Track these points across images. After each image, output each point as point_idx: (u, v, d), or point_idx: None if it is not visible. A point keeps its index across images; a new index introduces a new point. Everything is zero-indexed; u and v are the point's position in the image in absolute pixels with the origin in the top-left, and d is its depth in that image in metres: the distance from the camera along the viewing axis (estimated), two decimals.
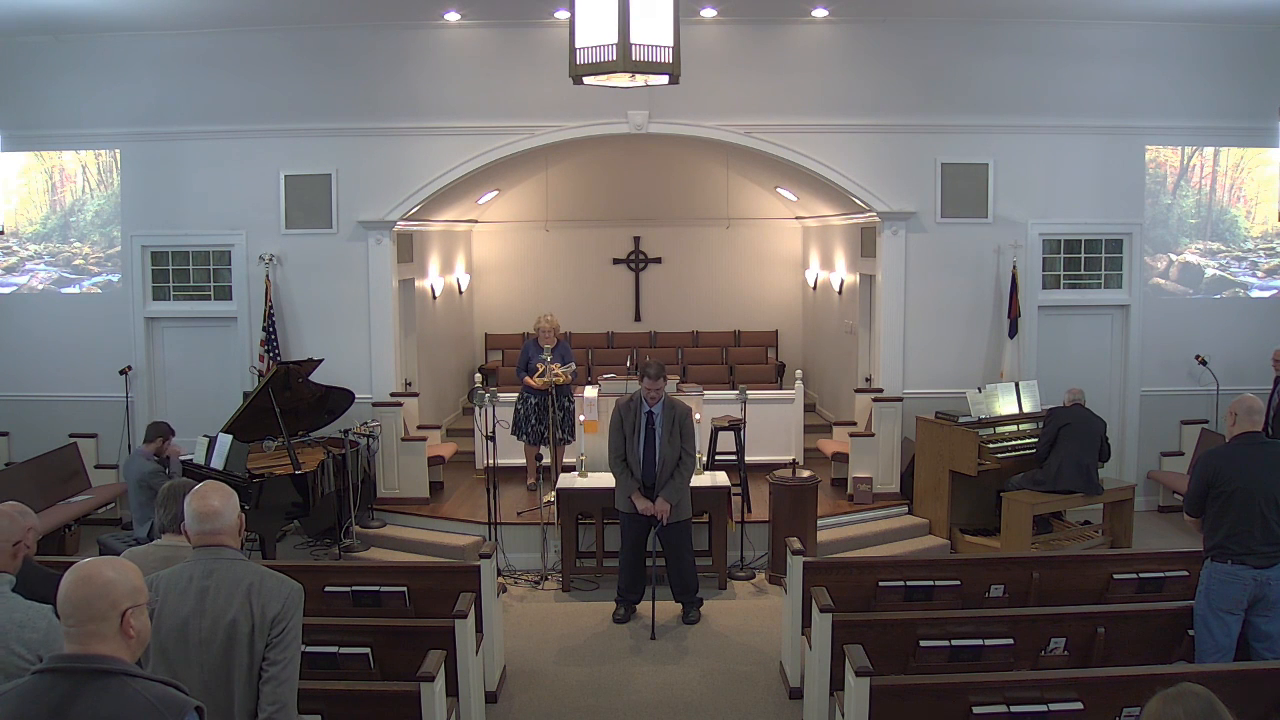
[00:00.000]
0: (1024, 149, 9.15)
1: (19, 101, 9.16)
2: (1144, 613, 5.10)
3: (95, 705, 2.24)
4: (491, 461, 7.91)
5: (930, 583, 5.57)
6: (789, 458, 8.95)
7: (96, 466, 9.36)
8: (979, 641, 4.81)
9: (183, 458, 7.55)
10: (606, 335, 13.07)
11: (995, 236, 9.19)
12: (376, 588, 5.49)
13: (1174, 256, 9.51)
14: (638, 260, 13.26)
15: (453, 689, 4.89)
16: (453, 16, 8.78)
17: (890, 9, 8.80)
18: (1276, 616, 4.77)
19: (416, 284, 10.53)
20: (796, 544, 6.00)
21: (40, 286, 9.51)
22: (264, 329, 9.06)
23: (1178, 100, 9.20)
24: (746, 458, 8.35)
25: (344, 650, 4.71)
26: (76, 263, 9.47)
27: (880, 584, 5.58)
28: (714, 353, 12.89)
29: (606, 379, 9.08)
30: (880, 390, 9.23)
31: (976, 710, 4.07)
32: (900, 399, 9.08)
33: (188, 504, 3.21)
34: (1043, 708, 4.05)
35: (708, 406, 9.09)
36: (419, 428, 9.47)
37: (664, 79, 4.86)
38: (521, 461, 9.24)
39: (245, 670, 3.03)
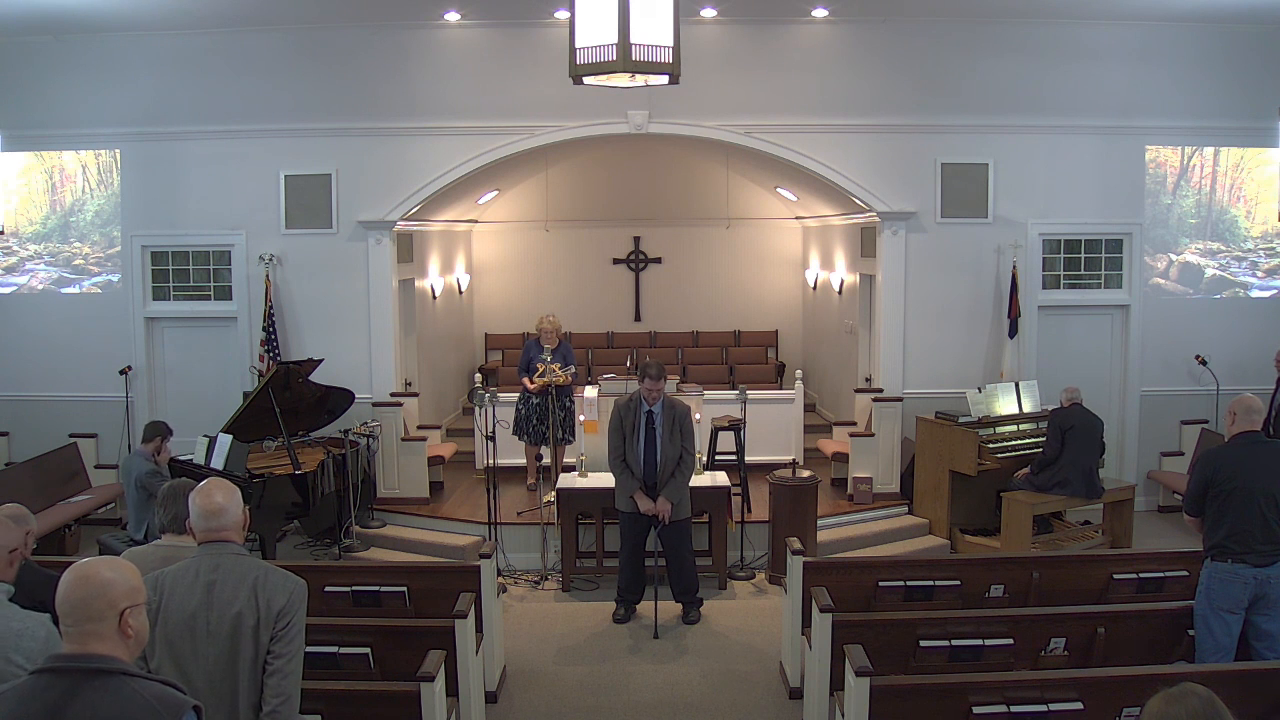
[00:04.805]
0: (1024, 149, 9.15)
1: (19, 101, 9.17)
2: (1144, 613, 5.09)
3: (93, 704, 2.24)
4: (491, 461, 7.91)
5: (930, 583, 5.56)
6: (789, 458, 8.94)
7: (96, 466, 9.36)
8: (979, 641, 4.80)
9: (182, 458, 7.55)
10: (606, 335, 13.07)
11: (995, 236, 9.19)
12: (376, 588, 5.49)
13: (1174, 256, 9.51)
14: (638, 260, 13.26)
15: (453, 689, 4.89)
16: (453, 16, 8.78)
17: (890, 9, 8.79)
18: (1277, 615, 4.77)
19: (416, 284, 10.53)
20: (796, 544, 6.00)
21: (40, 286, 9.51)
22: (264, 329, 9.06)
23: (1178, 100, 9.19)
24: (746, 458, 8.35)
25: (344, 650, 4.71)
26: (76, 263, 9.47)
27: (880, 584, 5.57)
28: (714, 353, 12.89)
29: (606, 379, 9.07)
30: (880, 390, 9.23)
31: (976, 710, 4.07)
32: (900, 399, 9.08)
33: (192, 501, 3.24)
34: (1043, 708, 4.05)
35: (708, 406, 9.09)
36: (419, 428, 9.47)
37: (664, 79, 4.86)
38: (521, 461, 9.24)
39: (250, 663, 3.07)
